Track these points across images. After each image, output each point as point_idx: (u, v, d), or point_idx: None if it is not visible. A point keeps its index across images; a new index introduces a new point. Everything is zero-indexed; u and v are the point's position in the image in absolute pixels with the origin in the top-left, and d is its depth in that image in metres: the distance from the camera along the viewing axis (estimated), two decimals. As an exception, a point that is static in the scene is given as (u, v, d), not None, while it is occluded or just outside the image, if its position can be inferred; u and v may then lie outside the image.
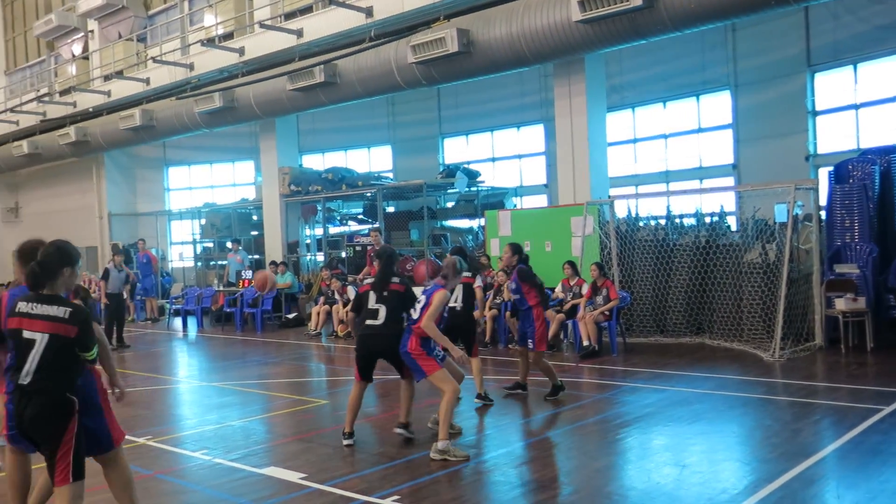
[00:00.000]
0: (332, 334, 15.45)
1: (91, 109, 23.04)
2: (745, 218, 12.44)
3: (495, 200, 18.12)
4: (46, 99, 24.88)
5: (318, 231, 20.01)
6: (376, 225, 17.98)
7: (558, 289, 12.70)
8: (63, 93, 24.49)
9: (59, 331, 4.15)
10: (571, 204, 13.96)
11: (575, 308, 12.22)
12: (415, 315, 6.74)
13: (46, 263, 4.29)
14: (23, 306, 4.23)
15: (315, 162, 22.33)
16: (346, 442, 6.88)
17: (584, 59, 13.89)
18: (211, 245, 22.10)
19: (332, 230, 20.17)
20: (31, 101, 25.77)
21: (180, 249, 24.96)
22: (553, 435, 7.45)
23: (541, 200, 18.44)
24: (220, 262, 21.52)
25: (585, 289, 12.27)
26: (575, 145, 14.28)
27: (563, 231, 13.69)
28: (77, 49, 25.58)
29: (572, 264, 12.64)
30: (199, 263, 22.65)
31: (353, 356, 7.09)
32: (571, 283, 12.56)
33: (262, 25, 17.48)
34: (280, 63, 17.62)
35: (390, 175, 20.89)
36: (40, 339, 4.15)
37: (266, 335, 16.46)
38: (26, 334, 4.17)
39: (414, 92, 17.06)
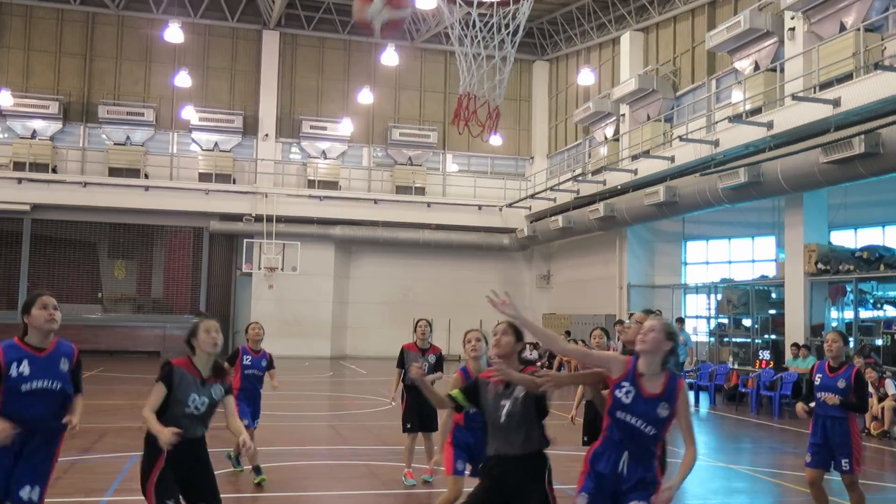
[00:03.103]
0: (864, 431, 13.78)
1: (619, 187, 24.78)
2: None
3: None
4: (580, 178, 27.52)
5: (848, 314, 18.26)
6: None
7: None
8: (595, 172, 26.81)
9: None
10: None
11: None
12: None
13: None
14: None
15: (846, 239, 20.53)
16: None
17: None
18: (726, 321, 21.74)
19: (864, 314, 18.20)
20: (567, 180, 28.74)
21: (694, 323, 25.06)
22: None
23: None
24: (734, 339, 21.01)
25: None
26: None
27: None
28: (609, 132, 27.93)
29: None
30: (713, 339, 22.41)
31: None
32: None
33: (794, 97, 16.87)
34: (812, 135, 16.75)
35: (941, 255, 18.11)
36: None
37: (783, 421, 15.43)
38: None
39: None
